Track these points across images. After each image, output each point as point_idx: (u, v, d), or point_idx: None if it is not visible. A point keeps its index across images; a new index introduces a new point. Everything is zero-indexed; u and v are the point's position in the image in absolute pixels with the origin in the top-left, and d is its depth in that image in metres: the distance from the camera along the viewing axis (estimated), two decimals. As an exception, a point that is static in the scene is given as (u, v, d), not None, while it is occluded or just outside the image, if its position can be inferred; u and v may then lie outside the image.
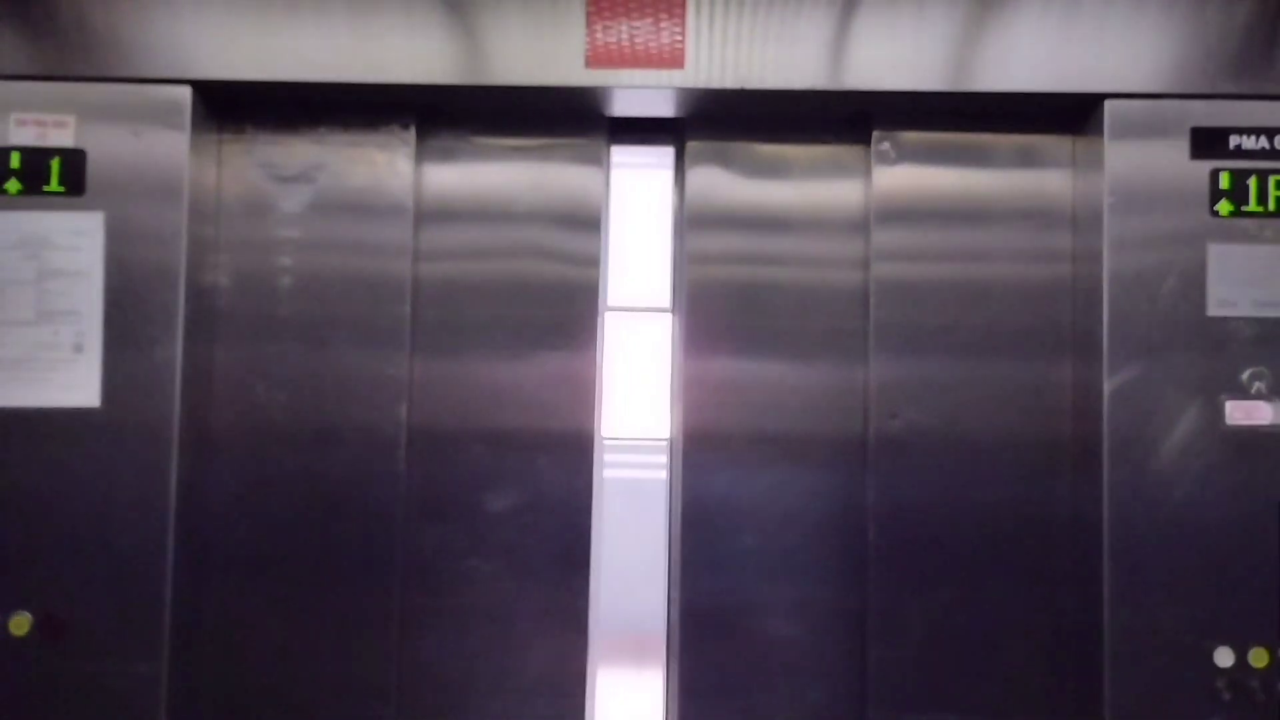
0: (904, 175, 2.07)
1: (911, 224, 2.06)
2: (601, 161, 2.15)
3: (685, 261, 2.16)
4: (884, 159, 2.07)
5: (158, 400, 1.89)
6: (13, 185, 1.91)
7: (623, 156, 2.24)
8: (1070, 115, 2.02)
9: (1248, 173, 1.89)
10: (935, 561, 2.01)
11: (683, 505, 2.13)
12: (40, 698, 1.86)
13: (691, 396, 2.13)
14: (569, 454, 2.11)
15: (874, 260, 2.06)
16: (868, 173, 2.09)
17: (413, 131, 2.08)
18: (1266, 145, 1.90)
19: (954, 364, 2.04)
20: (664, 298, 2.25)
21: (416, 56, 1.95)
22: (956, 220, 2.07)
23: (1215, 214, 1.90)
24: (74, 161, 1.91)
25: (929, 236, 2.06)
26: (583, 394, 2.12)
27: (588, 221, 2.16)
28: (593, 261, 2.16)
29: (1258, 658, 1.85)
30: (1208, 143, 1.90)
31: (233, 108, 2.05)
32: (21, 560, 1.87)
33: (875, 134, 2.07)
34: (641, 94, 1.99)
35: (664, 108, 2.10)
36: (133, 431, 1.89)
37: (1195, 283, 1.89)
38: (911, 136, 2.06)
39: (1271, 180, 1.89)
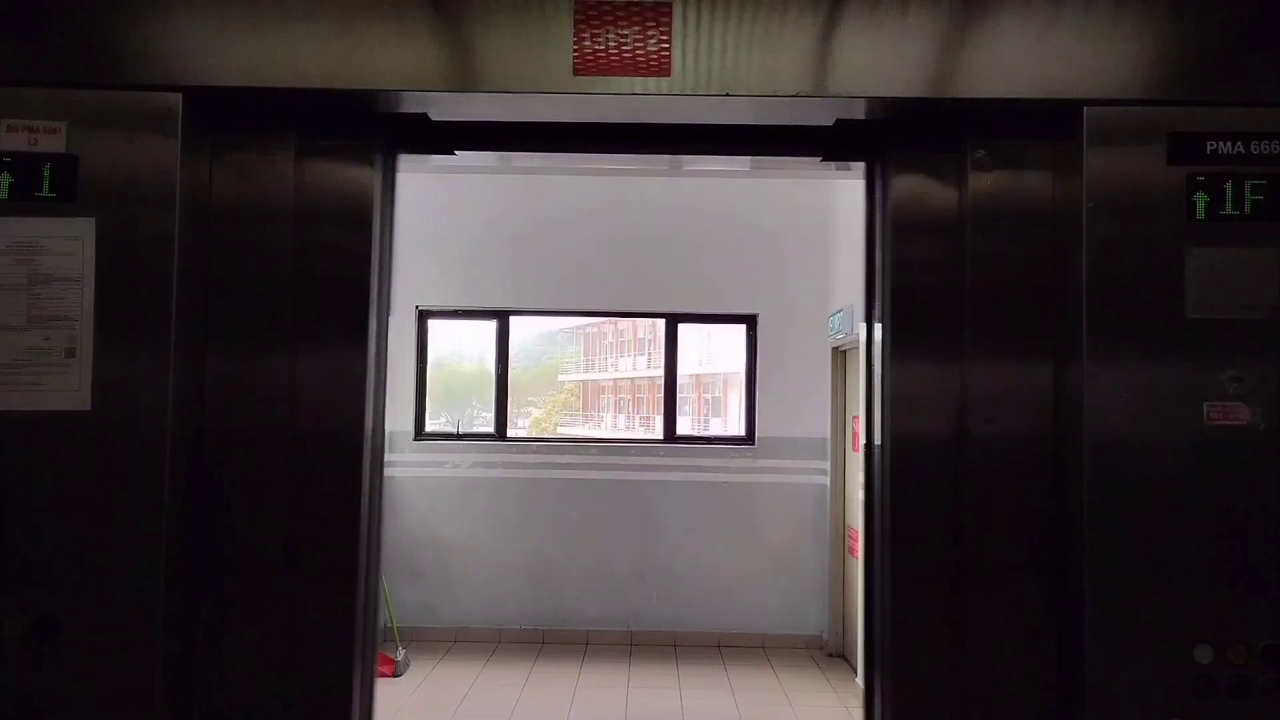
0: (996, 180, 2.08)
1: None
2: (374, 163, 2.13)
3: (890, 270, 2.13)
4: (979, 165, 2.08)
5: (149, 404, 1.91)
6: (4, 190, 1.92)
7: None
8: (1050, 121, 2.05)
9: (1224, 177, 1.92)
10: None
11: (892, 513, 2.08)
12: (33, 699, 1.87)
13: (900, 403, 2.10)
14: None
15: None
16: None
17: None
18: (1242, 150, 1.93)
19: None
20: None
21: (405, 64, 1.97)
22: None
23: (1192, 218, 1.93)
24: (65, 167, 1.92)
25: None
26: (354, 392, 2.10)
27: (359, 222, 2.12)
28: (365, 260, 2.12)
29: (1237, 655, 1.88)
30: (1185, 148, 1.93)
31: (224, 114, 2.07)
32: (14, 562, 1.88)
33: (970, 141, 2.08)
34: (629, 100, 2.01)
35: (652, 114, 2.12)
36: (124, 435, 1.90)
37: (1174, 286, 1.92)
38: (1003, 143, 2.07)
39: (1247, 185, 1.92)
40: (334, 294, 2.10)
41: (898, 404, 2.07)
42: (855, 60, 1.97)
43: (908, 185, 2.13)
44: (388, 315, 2.21)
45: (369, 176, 2.12)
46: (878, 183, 2.19)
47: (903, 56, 1.97)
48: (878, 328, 2.18)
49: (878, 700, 2.13)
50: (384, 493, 2.21)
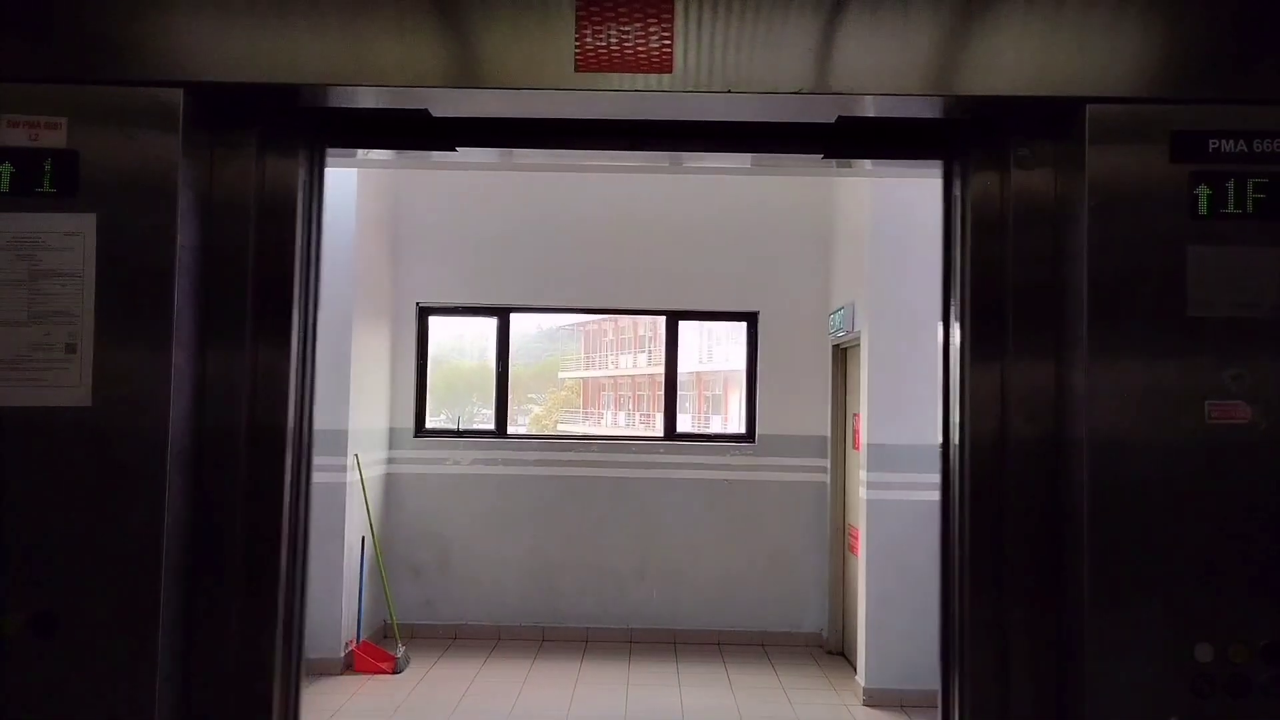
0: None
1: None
2: (298, 157, 2.14)
3: (970, 269, 2.10)
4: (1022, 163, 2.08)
5: (150, 400, 1.90)
6: (5, 186, 1.92)
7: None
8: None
9: (1226, 176, 1.92)
10: None
11: (970, 516, 2.03)
12: (31, 695, 1.87)
13: (979, 402, 2.06)
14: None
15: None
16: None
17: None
18: (1244, 149, 1.92)
19: None
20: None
21: (406, 60, 1.97)
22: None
23: (1194, 216, 1.92)
24: (66, 163, 1.92)
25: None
26: (276, 389, 2.07)
27: (283, 217, 2.10)
28: (289, 256, 2.10)
29: (1237, 653, 1.88)
30: (1187, 146, 1.93)
31: (225, 109, 2.07)
32: (12, 558, 1.88)
33: (1015, 140, 2.07)
34: (630, 97, 2.01)
35: (653, 110, 2.12)
36: (124, 431, 1.90)
37: (1176, 284, 1.92)
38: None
39: (1249, 183, 1.92)
40: (265, 289, 2.09)
41: (977, 403, 2.00)
42: (857, 57, 1.97)
43: (993, 183, 2.09)
44: (316, 311, 2.19)
45: (293, 172, 2.11)
46: (956, 181, 2.17)
47: (902, 53, 1.96)
48: (956, 327, 2.14)
49: (955, 700, 2.10)
50: (310, 492, 2.19)
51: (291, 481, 2.10)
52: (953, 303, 2.17)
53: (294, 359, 2.11)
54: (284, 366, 2.09)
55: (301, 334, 2.14)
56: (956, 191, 2.17)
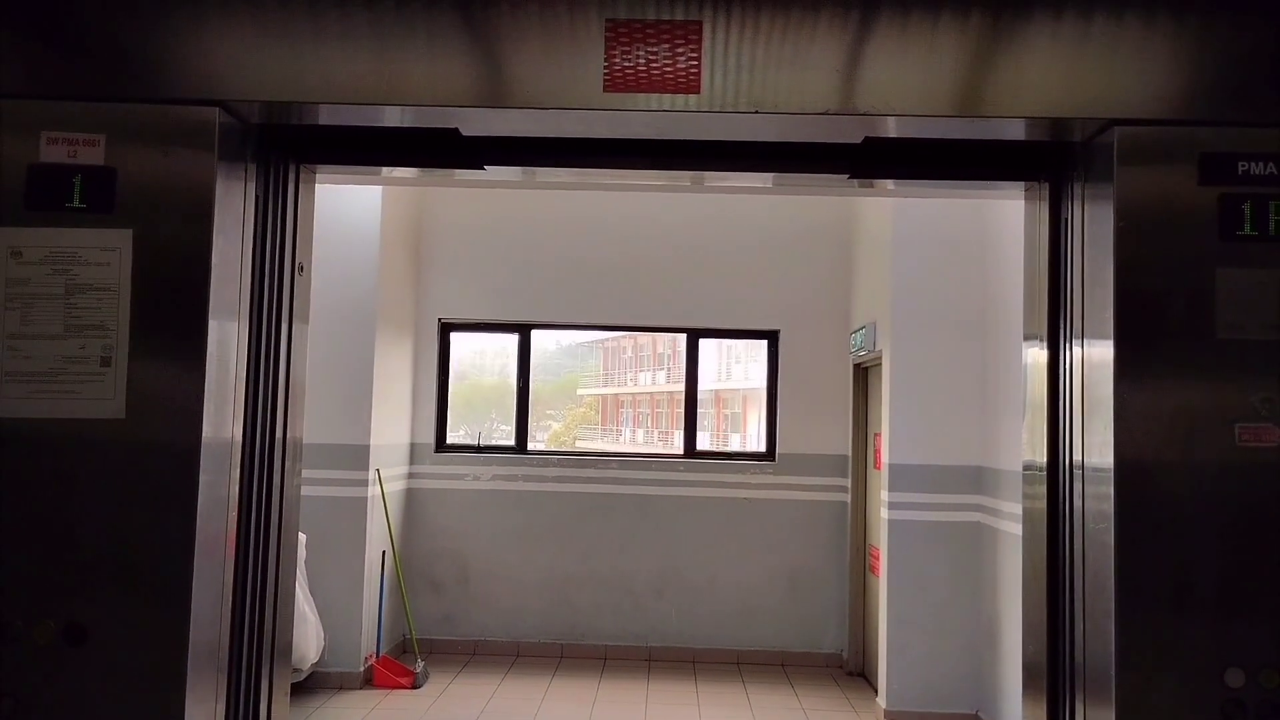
0: None
1: None
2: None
3: (1075, 289, 2.09)
4: None
5: (184, 413, 1.93)
6: (44, 201, 1.95)
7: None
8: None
9: (1255, 198, 1.92)
10: None
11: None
12: (62, 706, 1.88)
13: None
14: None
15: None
16: None
17: None
18: (1274, 171, 1.92)
19: None
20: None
21: (438, 81, 2.00)
22: None
23: (1223, 238, 1.92)
24: (104, 179, 1.96)
25: None
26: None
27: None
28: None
29: (1268, 679, 1.86)
30: (1216, 168, 1.93)
31: (258, 127, 2.10)
32: (46, 569, 1.90)
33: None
34: (658, 117, 2.03)
35: (680, 130, 2.14)
36: (157, 444, 1.92)
37: (1204, 306, 1.91)
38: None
39: (1278, 206, 1.91)
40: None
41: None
42: (885, 78, 1.98)
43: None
44: (256, 321, 2.15)
45: (238, 185, 2.08)
46: (1069, 202, 2.13)
47: (929, 74, 1.97)
48: (1086, 344, 2.06)
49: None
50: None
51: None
52: (1073, 320, 2.10)
53: (234, 369, 2.06)
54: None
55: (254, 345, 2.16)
56: (1070, 211, 2.12)
